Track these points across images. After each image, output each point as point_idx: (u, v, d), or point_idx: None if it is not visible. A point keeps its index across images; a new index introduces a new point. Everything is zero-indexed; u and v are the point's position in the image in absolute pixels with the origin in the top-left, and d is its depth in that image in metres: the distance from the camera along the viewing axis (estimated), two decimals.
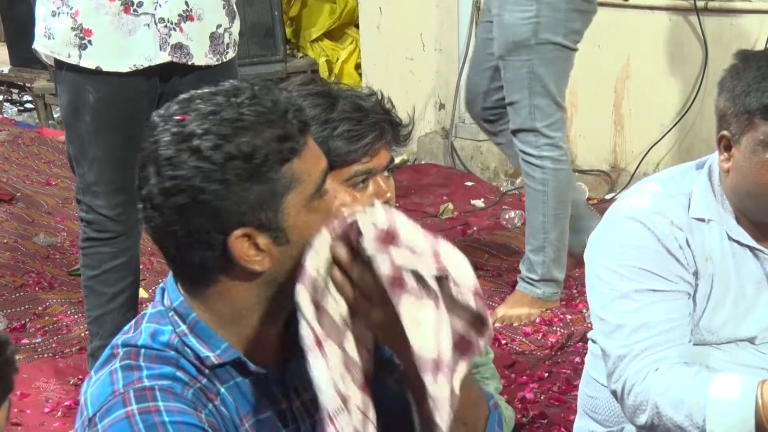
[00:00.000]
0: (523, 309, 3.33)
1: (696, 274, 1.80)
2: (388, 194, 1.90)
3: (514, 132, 3.31)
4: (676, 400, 1.69)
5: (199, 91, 1.30)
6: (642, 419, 1.75)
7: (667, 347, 1.75)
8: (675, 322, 1.77)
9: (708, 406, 1.66)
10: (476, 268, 3.45)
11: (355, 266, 1.24)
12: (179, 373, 1.29)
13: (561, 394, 2.81)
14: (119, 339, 1.34)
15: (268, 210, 1.26)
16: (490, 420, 1.42)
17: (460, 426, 1.32)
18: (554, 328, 3.23)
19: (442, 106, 5.12)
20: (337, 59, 6.65)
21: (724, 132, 1.75)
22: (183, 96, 1.31)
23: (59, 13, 2.54)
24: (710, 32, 3.94)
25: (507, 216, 4.26)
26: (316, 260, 1.26)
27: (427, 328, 1.22)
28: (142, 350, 1.31)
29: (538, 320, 3.33)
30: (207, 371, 1.31)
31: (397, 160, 4.95)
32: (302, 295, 1.25)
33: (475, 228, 4.23)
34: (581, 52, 4.62)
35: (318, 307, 1.25)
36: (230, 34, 2.68)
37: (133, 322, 1.37)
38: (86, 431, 1.27)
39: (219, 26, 2.63)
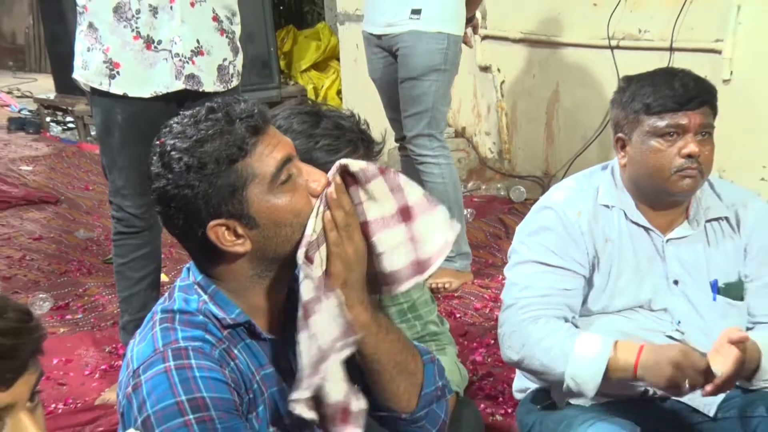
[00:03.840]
0: (444, 278, 3.44)
1: (596, 257, 1.87)
2: None
3: (411, 138, 3.37)
4: (548, 346, 1.76)
5: (180, 115, 1.30)
6: (514, 357, 1.80)
7: (542, 307, 1.82)
8: (553, 291, 1.83)
9: (570, 358, 1.72)
10: None
11: (343, 195, 1.27)
12: (208, 336, 1.29)
13: None
14: (158, 307, 1.34)
15: (233, 202, 1.25)
16: (426, 371, 1.40)
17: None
18: (499, 304, 3.24)
19: None
20: (322, 86, 6.65)
21: (620, 135, 1.87)
22: (168, 121, 1.31)
23: (93, 49, 2.51)
24: (621, 64, 3.95)
25: None
26: (314, 222, 1.26)
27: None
28: (177, 315, 1.31)
29: (486, 296, 3.34)
30: (226, 333, 1.31)
31: None
32: (299, 253, 1.26)
33: None
34: (520, 81, 4.64)
35: (310, 260, 1.26)
36: (234, 66, 2.66)
37: (166, 294, 1.37)
38: (130, 380, 1.27)
39: (225, 59, 2.61)
